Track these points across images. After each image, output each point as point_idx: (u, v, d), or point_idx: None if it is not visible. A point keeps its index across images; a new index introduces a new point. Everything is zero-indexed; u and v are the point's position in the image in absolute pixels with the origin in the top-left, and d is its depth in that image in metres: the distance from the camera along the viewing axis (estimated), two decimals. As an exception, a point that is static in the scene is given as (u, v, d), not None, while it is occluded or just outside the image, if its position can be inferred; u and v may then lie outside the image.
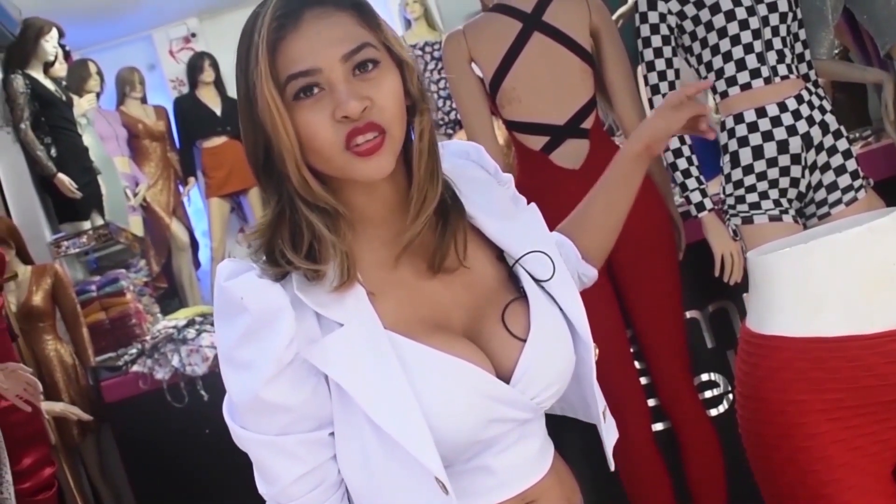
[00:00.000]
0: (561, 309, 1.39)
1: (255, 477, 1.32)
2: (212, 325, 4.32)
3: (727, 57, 2.83)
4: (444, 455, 1.24)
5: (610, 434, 1.48)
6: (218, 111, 7.02)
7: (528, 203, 1.57)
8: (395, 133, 1.26)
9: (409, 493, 1.25)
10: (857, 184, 2.87)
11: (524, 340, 1.33)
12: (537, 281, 1.39)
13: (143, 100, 6.98)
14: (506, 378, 1.31)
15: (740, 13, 2.79)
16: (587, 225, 1.68)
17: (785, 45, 2.85)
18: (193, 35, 7.56)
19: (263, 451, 1.28)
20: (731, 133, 2.87)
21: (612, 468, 1.49)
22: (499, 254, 1.43)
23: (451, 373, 1.26)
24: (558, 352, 1.36)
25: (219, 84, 7.11)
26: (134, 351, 4.31)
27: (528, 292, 1.37)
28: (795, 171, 2.83)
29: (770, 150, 2.81)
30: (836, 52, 3.31)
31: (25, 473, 3.23)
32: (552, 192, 2.92)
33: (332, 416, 1.28)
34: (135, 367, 4.20)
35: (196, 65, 7.07)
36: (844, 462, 1.59)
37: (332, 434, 1.28)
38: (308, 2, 1.25)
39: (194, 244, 7.01)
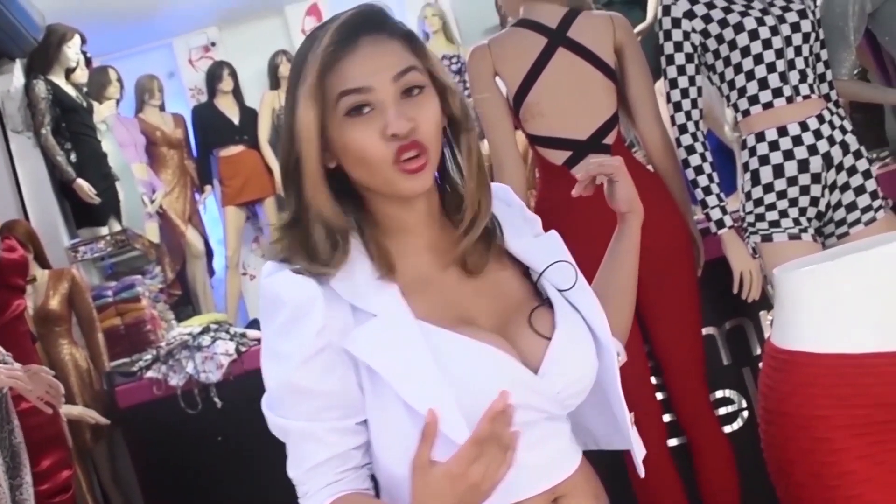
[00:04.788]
0: (583, 317, 1.46)
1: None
2: (226, 332, 4.36)
3: (750, 76, 2.85)
4: None
5: (637, 446, 1.54)
6: (236, 120, 7.03)
7: (549, 227, 1.63)
8: (433, 153, 1.38)
9: None
10: (876, 204, 2.89)
11: (549, 339, 1.41)
12: (560, 291, 1.47)
13: (162, 107, 6.99)
14: (533, 372, 1.38)
15: (764, 32, 2.81)
16: (612, 301, 1.66)
17: (807, 64, 2.87)
18: (213, 44, 7.57)
19: (295, 436, 1.38)
20: (753, 151, 2.88)
21: (642, 474, 1.52)
22: (524, 270, 1.52)
23: (479, 357, 1.34)
24: (582, 353, 1.43)
25: (237, 93, 7.13)
26: (149, 357, 4.32)
27: (552, 299, 1.46)
28: (815, 190, 2.85)
29: (791, 168, 2.83)
30: (856, 72, 3.32)
31: (44, 475, 3.24)
32: (574, 207, 2.91)
33: (363, 406, 1.37)
34: (149, 373, 4.21)
35: (215, 73, 7.09)
36: (869, 478, 1.60)
37: (360, 423, 1.38)
38: (366, 28, 1.37)
39: (209, 252, 7.00)
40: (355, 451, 1.39)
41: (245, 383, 4.05)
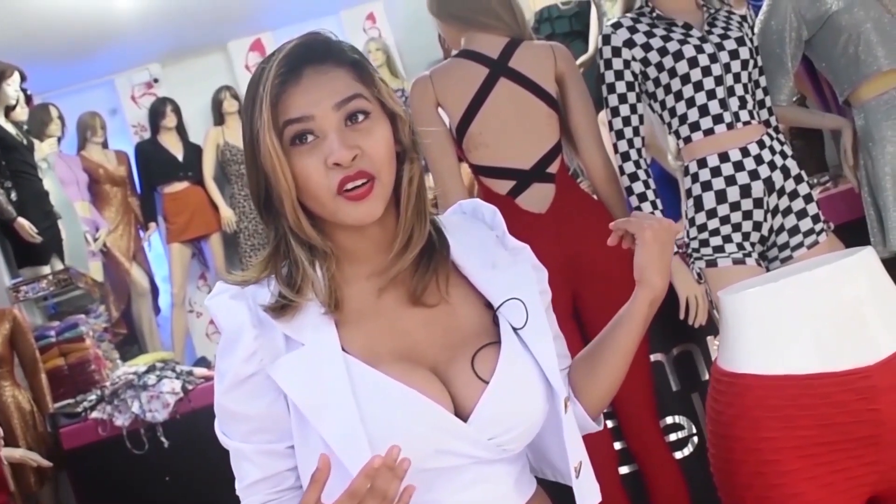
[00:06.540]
0: (535, 358, 1.43)
1: None
2: (172, 370, 4.29)
3: (690, 103, 2.88)
4: None
5: (586, 495, 1.47)
6: (179, 157, 6.99)
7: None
8: (384, 180, 1.36)
9: None
10: (818, 227, 2.92)
11: (487, 382, 1.37)
12: (515, 329, 1.44)
13: (105, 144, 6.94)
14: (465, 416, 1.36)
15: (703, 60, 2.85)
16: (596, 370, 1.61)
17: (746, 91, 2.90)
18: (156, 80, 7.52)
19: (232, 454, 1.42)
20: (695, 178, 2.90)
21: None
22: (487, 301, 1.48)
23: (398, 399, 1.32)
24: (525, 397, 1.40)
25: (181, 129, 7.09)
26: (93, 397, 4.24)
27: (503, 338, 1.42)
28: (758, 214, 2.88)
29: (733, 194, 2.85)
30: (795, 99, 3.37)
31: (-16, 521, 3.17)
32: (518, 236, 2.92)
33: (291, 430, 1.38)
34: (94, 414, 4.13)
35: (158, 110, 7.05)
36: (817, 499, 1.60)
37: (290, 447, 1.39)
38: (310, 58, 1.37)
39: (154, 290, 6.93)
40: (289, 472, 1.40)
41: (192, 422, 3.99)
